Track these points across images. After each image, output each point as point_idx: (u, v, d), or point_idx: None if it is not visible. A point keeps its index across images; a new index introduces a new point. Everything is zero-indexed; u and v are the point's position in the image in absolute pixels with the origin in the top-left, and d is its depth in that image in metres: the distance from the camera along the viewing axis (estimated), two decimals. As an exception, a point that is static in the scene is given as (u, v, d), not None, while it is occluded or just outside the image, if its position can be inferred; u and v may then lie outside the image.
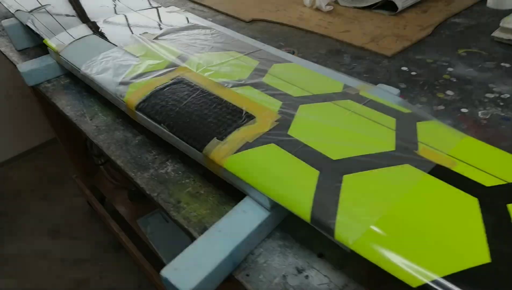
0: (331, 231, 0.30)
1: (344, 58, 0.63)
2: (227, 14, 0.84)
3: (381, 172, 0.34)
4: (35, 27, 0.68)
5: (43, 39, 0.64)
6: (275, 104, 0.43)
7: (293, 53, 0.64)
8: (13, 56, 0.74)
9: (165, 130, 0.42)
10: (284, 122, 0.40)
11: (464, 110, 0.49)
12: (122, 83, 0.49)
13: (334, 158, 0.35)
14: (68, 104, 0.57)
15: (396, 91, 0.47)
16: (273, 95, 0.45)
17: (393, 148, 0.36)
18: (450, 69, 0.58)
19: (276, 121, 0.40)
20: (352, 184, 0.33)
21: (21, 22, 0.72)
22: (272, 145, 0.37)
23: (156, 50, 0.55)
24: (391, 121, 0.40)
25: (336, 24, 0.74)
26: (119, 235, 1.16)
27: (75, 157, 1.31)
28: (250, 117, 0.41)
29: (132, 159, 0.46)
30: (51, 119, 1.16)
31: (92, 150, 1.26)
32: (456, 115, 0.48)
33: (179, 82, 0.48)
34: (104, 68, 0.52)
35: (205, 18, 0.84)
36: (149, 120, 0.44)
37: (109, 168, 1.33)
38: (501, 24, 0.64)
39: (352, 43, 0.67)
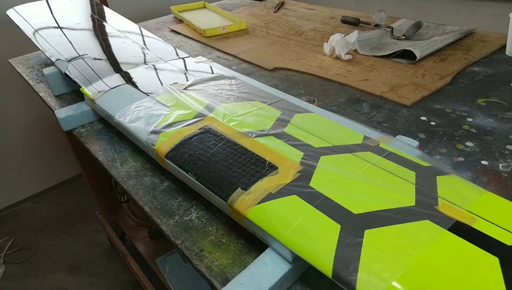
0: (352, 287, 0.30)
1: (364, 106, 0.65)
2: (250, 63, 0.89)
3: (401, 228, 0.34)
4: (73, 75, 0.73)
5: (80, 86, 0.69)
6: (297, 155, 0.45)
7: (313, 101, 0.66)
8: (51, 102, 0.79)
9: (192, 178, 0.45)
10: (305, 173, 0.42)
11: (484, 162, 0.49)
12: (153, 132, 0.52)
13: (355, 212, 0.36)
14: (100, 150, 0.61)
15: (415, 143, 0.48)
16: (294, 146, 0.47)
17: (413, 203, 0.37)
18: (469, 119, 0.59)
19: (298, 172, 0.42)
20: (373, 240, 0.33)
21: (60, 70, 0.78)
22: (294, 196, 0.39)
23: (185, 101, 0.59)
24: (411, 175, 0.41)
25: (355, 73, 0.77)
26: (137, 274, 1.17)
27: (99, 194, 1.35)
28: (273, 167, 0.43)
29: (159, 205, 0.48)
30: (79, 158, 1.21)
31: (116, 188, 1.30)
32: (476, 167, 0.49)
33: (206, 131, 0.50)
34: (137, 117, 0.56)
35: (230, 66, 0.88)
36: (177, 168, 0.47)
37: (131, 205, 1.36)
38: (520, 74, 0.65)
39: (371, 92, 0.69)
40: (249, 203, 0.39)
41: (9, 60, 1.10)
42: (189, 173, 0.45)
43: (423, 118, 0.60)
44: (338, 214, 0.36)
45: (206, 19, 1.22)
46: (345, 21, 1.06)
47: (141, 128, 0.54)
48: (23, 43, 1.55)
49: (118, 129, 0.61)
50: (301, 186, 0.40)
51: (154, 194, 0.50)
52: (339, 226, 0.35)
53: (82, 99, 0.77)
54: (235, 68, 0.88)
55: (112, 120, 0.59)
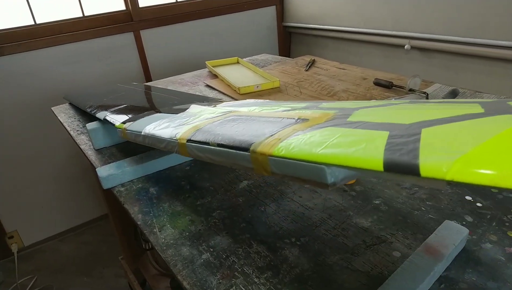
0: (415, 167, 0.24)
1: (406, 181, 0.64)
2: (285, 123, 0.90)
3: (470, 122, 0.28)
4: (111, 118, 0.76)
5: (115, 124, 0.71)
6: (330, 112, 0.41)
7: (352, 172, 0.65)
8: (91, 155, 0.82)
9: (213, 147, 0.41)
10: (341, 116, 0.37)
11: (540, 255, 0.47)
12: (177, 128, 0.53)
13: (408, 122, 0.30)
14: (139, 212, 0.61)
15: (465, 231, 0.47)
16: (327, 109, 0.43)
17: (482, 111, 0.31)
18: (518, 202, 0.56)
19: (332, 117, 0.38)
20: (435, 132, 0.27)
21: (101, 124, 0.82)
22: (328, 128, 0.34)
23: (215, 109, 0.59)
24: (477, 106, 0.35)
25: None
26: (157, 327, 1.13)
27: (123, 239, 1.35)
28: (303, 119, 0.39)
29: (198, 281, 0.47)
30: (107, 200, 1.23)
31: (141, 235, 1.30)
32: (533, 261, 0.46)
33: (231, 116, 0.50)
34: (166, 126, 0.57)
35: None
36: (199, 145, 0.44)
37: (154, 253, 1.35)
38: None
39: (411, 164, 0.68)
40: (274, 142, 0.34)
41: (52, 108, 1.15)
42: (210, 144, 0.42)
43: (468, 197, 0.58)
44: (385, 126, 0.30)
45: (240, 75, 1.26)
46: (378, 83, 1.07)
47: (167, 131, 0.54)
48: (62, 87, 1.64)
49: (146, 144, 0.61)
50: (336, 123, 0.35)
51: (192, 267, 0.49)
52: (387, 132, 0.29)
53: (121, 153, 0.80)
54: (269, 128, 0.89)
55: (139, 135, 0.61)
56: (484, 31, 1.39)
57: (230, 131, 0.42)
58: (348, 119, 0.35)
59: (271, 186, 0.66)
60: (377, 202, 0.59)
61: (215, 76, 1.31)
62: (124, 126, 0.68)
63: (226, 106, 0.63)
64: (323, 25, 2.05)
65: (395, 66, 1.79)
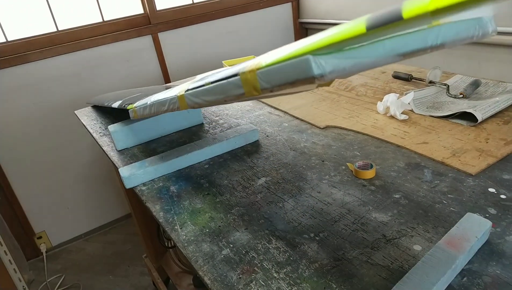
0: (397, 12, 0.25)
1: (425, 173, 0.63)
2: (302, 120, 0.90)
3: None
4: (123, 103, 0.80)
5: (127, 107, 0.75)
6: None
7: (371, 167, 0.65)
8: (114, 156, 0.84)
9: (208, 86, 0.45)
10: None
11: None
12: (175, 90, 0.55)
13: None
14: (161, 210, 0.63)
15: (488, 223, 0.46)
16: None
17: None
18: (545, 193, 0.55)
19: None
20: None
21: (122, 126, 0.84)
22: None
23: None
24: None
25: (412, 135, 0.75)
26: (181, 324, 1.16)
27: (147, 237, 1.38)
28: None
29: (219, 276, 0.48)
30: (130, 200, 1.26)
31: (163, 233, 1.32)
32: (561, 253, 0.45)
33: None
34: (166, 93, 0.60)
35: (281, 123, 0.90)
36: (194, 91, 0.48)
37: (177, 251, 1.37)
38: None
39: (432, 157, 0.67)
40: (258, 61, 0.36)
41: (75, 112, 1.19)
42: (204, 85, 0.46)
43: (491, 189, 0.57)
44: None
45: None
46: (397, 76, 1.05)
47: (168, 94, 0.58)
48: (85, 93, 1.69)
49: (153, 113, 0.64)
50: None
51: (213, 263, 0.50)
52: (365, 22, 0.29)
53: (142, 153, 0.81)
54: (286, 124, 0.89)
55: (146, 107, 0.65)
56: (509, 19, 1.35)
57: (219, 73, 0.45)
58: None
59: (289, 182, 0.66)
60: (397, 196, 0.58)
61: (232, 75, 1.32)
62: (134, 105, 0.72)
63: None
64: (339, 19, 2.03)
65: (415, 58, 1.75)
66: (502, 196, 0.55)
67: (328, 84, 0.40)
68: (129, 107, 0.76)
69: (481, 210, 0.53)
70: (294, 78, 0.32)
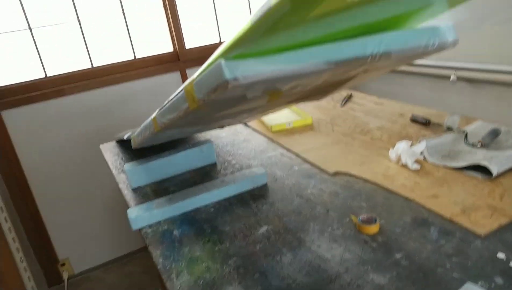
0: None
1: (431, 231, 0.61)
2: (312, 164, 0.89)
3: None
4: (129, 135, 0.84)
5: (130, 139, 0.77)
6: None
7: (375, 221, 0.63)
8: (127, 195, 0.87)
9: (167, 106, 0.50)
10: None
11: None
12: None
13: None
14: (161, 256, 0.64)
15: (488, 298, 0.43)
16: None
17: None
18: (560, 263, 0.51)
19: None
20: None
21: (138, 165, 0.88)
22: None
23: None
24: None
25: (423, 186, 0.73)
26: None
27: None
28: None
29: (205, 333, 0.47)
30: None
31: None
32: None
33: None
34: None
35: (292, 166, 0.90)
36: (160, 111, 0.52)
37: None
38: None
39: (441, 213, 0.64)
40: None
41: (100, 146, 1.25)
42: (165, 104, 0.51)
43: (500, 255, 0.54)
44: None
45: (275, 112, 1.29)
46: (414, 120, 1.03)
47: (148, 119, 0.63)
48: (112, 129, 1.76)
49: (146, 138, 0.68)
50: None
51: (202, 318, 0.50)
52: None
53: (153, 192, 0.84)
54: (296, 168, 0.89)
55: (140, 134, 0.69)
56: (537, 61, 1.30)
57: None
58: None
59: (291, 233, 0.65)
60: (398, 256, 0.56)
61: (250, 113, 1.34)
62: (134, 134, 0.75)
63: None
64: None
65: (440, 98, 1.71)
66: (512, 263, 0.52)
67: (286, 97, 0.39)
68: (132, 136, 0.80)
69: (486, 278, 0.50)
70: (215, 84, 0.32)
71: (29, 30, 1.62)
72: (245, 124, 1.25)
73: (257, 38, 0.29)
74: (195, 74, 0.40)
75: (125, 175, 0.98)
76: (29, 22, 1.61)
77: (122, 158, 1.11)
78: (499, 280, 0.49)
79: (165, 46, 1.94)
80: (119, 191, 1.93)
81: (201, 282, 0.56)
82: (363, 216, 0.65)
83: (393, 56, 0.31)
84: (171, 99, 0.47)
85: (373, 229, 0.62)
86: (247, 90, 0.32)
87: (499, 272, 0.51)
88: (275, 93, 0.39)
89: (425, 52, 0.33)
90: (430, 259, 0.55)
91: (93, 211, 1.87)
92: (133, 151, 1.14)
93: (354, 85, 0.74)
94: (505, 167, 0.72)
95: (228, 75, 0.30)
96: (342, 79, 0.48)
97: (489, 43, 1.43)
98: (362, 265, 0.55)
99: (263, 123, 1.20)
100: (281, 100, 0.51)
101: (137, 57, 1.87)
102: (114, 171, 1.03)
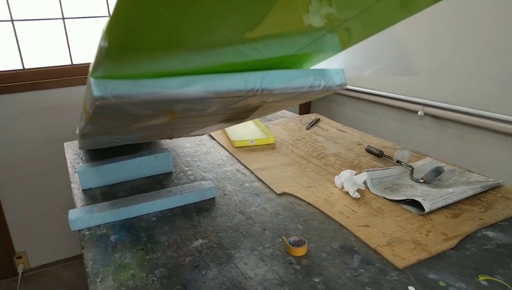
0: None
1: (354, 260, 0.63)
2: (263, 182, 0.92)
3: None
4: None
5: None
6: None
7: (304, 243, 0.65)
8: (76, 195, 0.88)
9: None
10: None
11: None
12: None
13: None
14: (91, 259, 0.64)
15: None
16: None
17: None
18: (462, 301, 0.53)
19: None
20: None
21: (91, 167, 0.88)
22: None
23: None
24: None
25: (358, 215, 0.75)
26: None
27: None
28: None
29: (112, 340, 0.48)
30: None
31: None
32: None
33: None
34: None
35: (243, 182, 0.92)
36: None
37: None
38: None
39: (368, 243, 0.67)
40: None
41: (64, 144, 1.25)
42: None
43: (411, 288, 0.56)
44: None
45: (241, 127, 1.31)
46: (369, 150, 1.07)
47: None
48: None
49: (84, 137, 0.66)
50: None
51: (114, 324, 0.51)
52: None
53: (102, 196, 0.84)
54: (247, 185, 0.91)
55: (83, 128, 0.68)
56: (498, 105, 1.36)
57: None
58: None
59: (223, 248, 0.67)
60: (317, 280, 0.58)
61: (218, 126, 1.36)
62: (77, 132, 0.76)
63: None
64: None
65: (409, 130, 1.77)
66: (419, 297, 0.54)
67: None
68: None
69: (391, 309, 0.52)
70: (89, 100, 0.33)
71: (11, 22, 1.62)
72: (211, 136, 1.27)
73: (127, 56, 0.29)
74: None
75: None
76: (12, 14, 1.62)
77: (82, 158, 1.11)
78: (401, 312, 0.52)
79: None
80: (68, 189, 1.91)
81: (123, 289, 0.57)
82: (294, 238, 0.67)
83: (276, 92, 0.34)
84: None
85: (301, 251, 0.64)
86: (127, 108, 0.33)
87: (404, 305, 0.53)
88: (171, 113, 0.41)
89: (312, 92, 0.36)
90: (346, 286, 0.57)
91: (56, 207, 1.85)
92: (95, 152, 1.15)
93: (264, 114, 0.76)
94: (438, 205, 0.76)
95: (96, 92, 0.31)
96: (246, 108, 0.50)
97: (454, 84, 1.49)
98: (281, 286, 0.57)
99: (228, 138, 1.22)
100: (201, 118, 0.53)
101: (118, 59, 1.88)
102: (70, 170, 1.03)
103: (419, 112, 1.64)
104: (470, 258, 0.63)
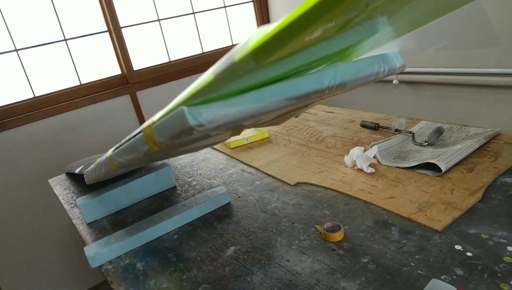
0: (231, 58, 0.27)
1: (393, 232, 0.63)
2: (273, 177, 0.90)
3: None
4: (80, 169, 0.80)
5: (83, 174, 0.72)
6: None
7: (339, 228, 0.64)
8: (83, 230, 0.82)
9: (124, 145, 0.49)
10: None
11: (536, 311, 0.44)
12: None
13: None
14: (124, 293, 0.60)
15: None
16: None
17: None
18: (510, 248, 0.54)
19: None
20: None
21: (92, 198, 0.83)
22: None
23: None
24: None
25: (380, 189, 0.75)
26: None
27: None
28: None
29: None
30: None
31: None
32: (528, 318, 0.44)
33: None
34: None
35: (254, 181, 0.90)
36: (116, 151, 0.51)
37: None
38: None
39: (399, 213, 0.67)
40: (153, 119, 0.40)
41: (49, 181, 1.17)
42: (122, 144, 0.50)
43: (457, 247, 0.56)
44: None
45: (231, 128, 1.28)
46: (364, 125, 1.08)
47: (102, 157, 0.60)
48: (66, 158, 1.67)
49: (100, 175, 0.66)
50: None
51: None
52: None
53: (111, 225, 0.79)
54: (258, 183, 0.89)
55: (93, 171, 0.67)
56: (469, 61, 1.41)
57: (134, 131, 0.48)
58: None
59: (259, 250, 0.65)
60: (365, 260, 0.57)
61: (206, 132, 1.33)
62: (87, 170, 0.71)
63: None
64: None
65: (387, 101, 1.81)
66: (468, 254, 0.55)
67: (237, 133, 0.41)
68: (85, 172, 0.76)
69: (448, 271, 0.52)
70: (178, 130, 0.32)
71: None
72: (202, 143, 1.23)
73: (219, 88, 0.29)
74: (154, 116, 0.39)
75: (79, 210, 0.93)
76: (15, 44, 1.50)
77: (73, 192, 1.05)
78: (459, 271, 0.52)
79: (112, 69, 1.88)
80: (73, 226, 1.82)
81: (171, 315, 0.54)
82: (328, 225, 0.66)
83: (348, 85, 0.33)
84: (128, 140, 0.45)
85: (338, 236, 0.63)
86: (212, 131, 0.32)
87: (458, 264, 0.53)
88: (238, 128, 0.39)
89: (377, 78, 0.36)
90: (395, 260, 0.56)
91: (47, 247, 1.74)
92: (85, 183, 1.08)
93: (310, 107, 0.76)
94: (452, 162, 0.77)
95: (192, 122, 0.29)
96: (301, 106, 0.49)
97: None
98: (332, 274, 0.56)
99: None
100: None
101: (82, 82, 1.79)
102: (66, 207, 0.97)
103: (393, 81, 1.68)
104: (500, 206, 0.64)
